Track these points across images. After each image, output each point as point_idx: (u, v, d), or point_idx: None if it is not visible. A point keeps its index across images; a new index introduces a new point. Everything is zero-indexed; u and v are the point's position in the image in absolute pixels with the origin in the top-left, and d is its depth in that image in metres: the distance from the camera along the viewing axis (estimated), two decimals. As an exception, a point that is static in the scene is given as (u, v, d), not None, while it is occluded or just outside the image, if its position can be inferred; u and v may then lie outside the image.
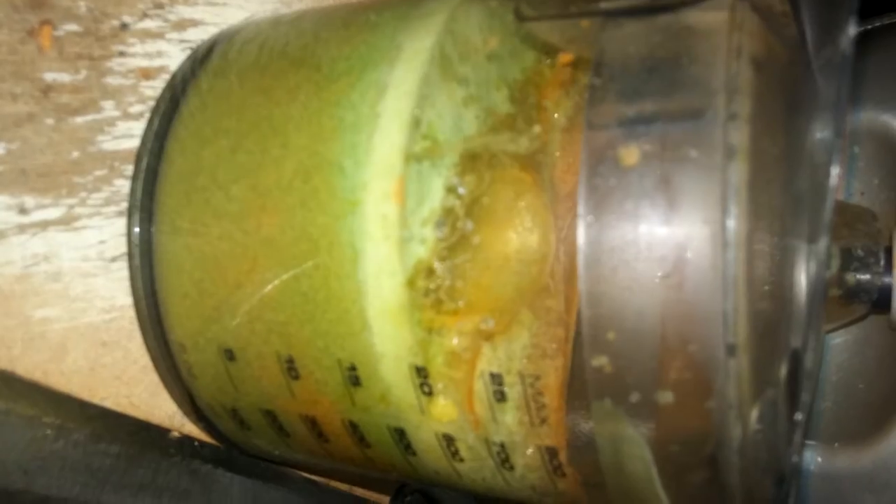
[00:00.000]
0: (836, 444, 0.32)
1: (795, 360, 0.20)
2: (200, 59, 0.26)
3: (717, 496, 0.19)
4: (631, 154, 0.17)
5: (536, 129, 0.20)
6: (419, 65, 0.21)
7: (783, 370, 0.20)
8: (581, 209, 0.18)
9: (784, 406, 0.20)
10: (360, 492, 0.35)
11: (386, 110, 0.21)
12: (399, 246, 0.20)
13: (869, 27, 0.34)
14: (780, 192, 0.18)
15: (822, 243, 0.18)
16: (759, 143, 0.17)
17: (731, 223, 0.16)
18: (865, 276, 0.28)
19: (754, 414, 0.18)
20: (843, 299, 0.28)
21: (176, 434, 0.26)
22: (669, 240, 0.17)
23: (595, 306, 0.18)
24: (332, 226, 0.21)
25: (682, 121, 0.17)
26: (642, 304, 0.17)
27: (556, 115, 0.21)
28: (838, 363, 0.33)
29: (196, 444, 0.27)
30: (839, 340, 0.34)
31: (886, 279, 0.27)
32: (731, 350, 0.17)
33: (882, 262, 0.28)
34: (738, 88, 0.16)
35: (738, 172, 0.16)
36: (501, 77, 0.21)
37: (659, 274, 0.17)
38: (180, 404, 0.26)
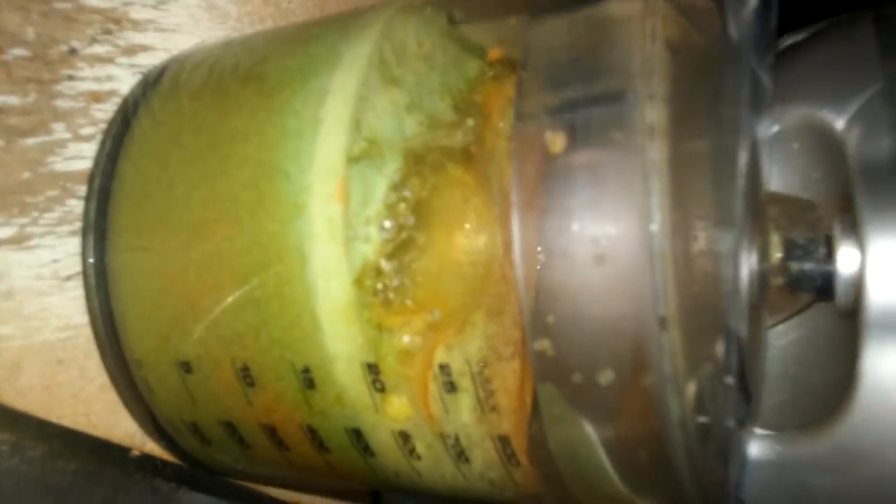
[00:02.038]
0: (794, 433, 0.32)
1: (732, 339, 0.21)
2: (152, 82, 0.27)
3: (665, 474, 0.20)
4: (557, 140, 0.18)
5: (470, 122, 0.21)
6: (358, 69, 0.22)
7: (720, 347, 0.20)
8: (514, 198, 0.18)
9: (724, 387, 0.21)
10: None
11: (327, 115, 0.21)
12: (345, 246, 0.21)
13: (815, 29, 0.36)
14: (707, 175, 0.19)
15: (733, 227, 0.19)
16: (678, 123, 0.18)
17: (655, 199, 0.17)
18: (808, 265, 0.28)
19: (691, 387, 0.18)
20: (788, 288, 0.29)
21: (136, 453, 0.26)
22: (598, 220, 0.17)
23: (530, 291, 0.18)
24: (280, 231, 0.21)
25: (605, 104, 0.18)
26: (577, 286, 0.18)
27: (501, 125, 0.22)
28: (794, 356, 0.34)
29: (158, 463, 0.27)
30: (794, 336, 0.34)
31: (829, 267, 0.28)
32: (662, 322, 0.17)
33: (823, 251, 0.28)
34: (654, 70, 0.17)
35: (658, 150, 0.17)
36: (444, 86, 0.22)
37: (591, 255, 0.18)
38: (141, 423, 0.26)
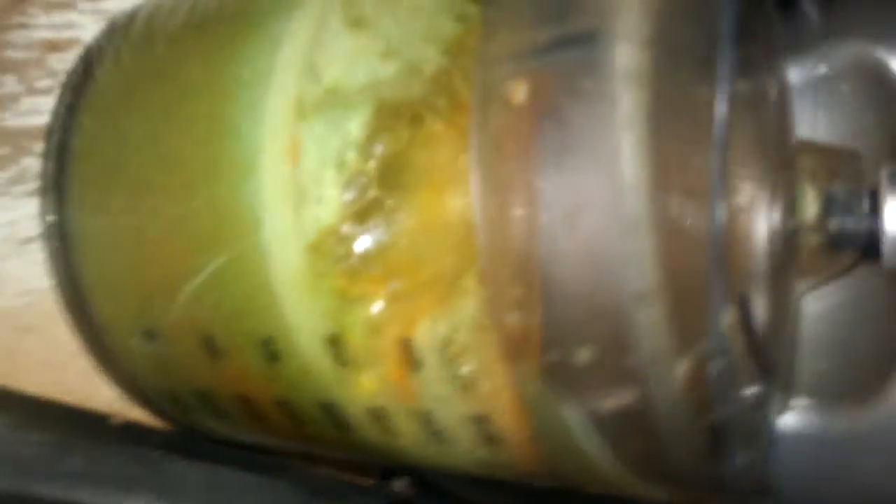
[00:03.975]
0: (836, 404, 0.29)
1: (743, 306, 0.18)
2: (119, 27, 0.25)
3: (665, 462, 0.18)
4: (519, 89, 0.15)
5: (462, 68, 0.18)
6: (316, 9, 0.19)
7: (724, 318, 0.17)
8: (473, 155, 0.16)
9: (737, 358, 0.18)
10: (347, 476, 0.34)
11: (281, 61, 0.19)
12: (295, 209, 0.19)
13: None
14: (700, 129, 0.16)
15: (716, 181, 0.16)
16: (665, 67, 0.15)
17: (627, 157, 0.14)
18: (850, 221, 0.25)
19: (680, 368, 0.16)
20: (827, 248, 0.26)
21: (118, 420, 0.25)
22: (563, 182, 0.15)
23: (496, 260, 0.16)
24: (233, 195, 0.20)
25: (575, 47, 0.15)
26: (545, 255, 0.16)
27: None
28: (838, 320, 0.31)
29: (144, 429, 0.26)
30: (837, 299, 0.31)
31: (873, 223, 0.25)
32: (640, 298, 0.15)
33: (867, 205, 0.25)
34: (632, 5, 0.14)
35: (634, 101, 0.14)
36: (433, 28, 0.19)
37: (560, 219, 0.15)
38: (121, 389, 0.25)
